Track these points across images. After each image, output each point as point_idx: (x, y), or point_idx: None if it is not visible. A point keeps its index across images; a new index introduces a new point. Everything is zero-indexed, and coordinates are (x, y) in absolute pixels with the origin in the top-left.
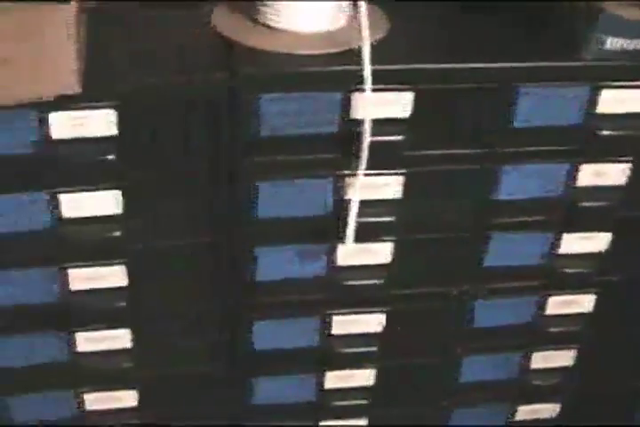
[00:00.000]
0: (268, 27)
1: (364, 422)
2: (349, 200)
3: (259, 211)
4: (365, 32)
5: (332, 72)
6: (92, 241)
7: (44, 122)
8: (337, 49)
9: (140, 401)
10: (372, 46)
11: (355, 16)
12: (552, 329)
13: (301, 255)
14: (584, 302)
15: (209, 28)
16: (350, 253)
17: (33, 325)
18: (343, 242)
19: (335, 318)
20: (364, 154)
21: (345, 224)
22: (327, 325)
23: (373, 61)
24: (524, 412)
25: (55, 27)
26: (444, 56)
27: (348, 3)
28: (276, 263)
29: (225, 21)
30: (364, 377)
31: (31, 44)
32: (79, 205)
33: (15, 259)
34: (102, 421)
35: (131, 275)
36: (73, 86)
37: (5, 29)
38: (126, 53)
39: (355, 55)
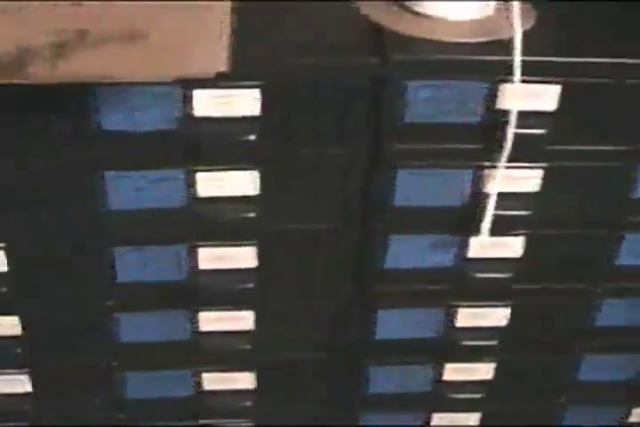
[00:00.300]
0: (417, 13)
1: (476, 416)
2: (487, 192)
3: (395, 198)
4: (517, 22)
5: (482, 61)
6: (225, 221)
7: (187, 99)
8: (487, 38)
9: (257, 384)
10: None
11: (502, 5)
12: None
13: (433, 245)
14: None
15: (356, 13)
16: (482, 245)
17: (160, 302)
18: (478, 234)
19: (460, 311)
20: (507, 146)
21: (481, 217)
22: (451, 316)
23: (522, 52)
24: (638, 414)
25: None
26: (593, 49)
27: None
28: (407, 252)
29: (373, 7)
30: (483, 371)
31: (179, 19)
32: (216, 184)
33: (149, 236)
34: (219, 402)
35: (260, 257)
36: (222, 65)
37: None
38: (274, 36)
39: (504, 45)
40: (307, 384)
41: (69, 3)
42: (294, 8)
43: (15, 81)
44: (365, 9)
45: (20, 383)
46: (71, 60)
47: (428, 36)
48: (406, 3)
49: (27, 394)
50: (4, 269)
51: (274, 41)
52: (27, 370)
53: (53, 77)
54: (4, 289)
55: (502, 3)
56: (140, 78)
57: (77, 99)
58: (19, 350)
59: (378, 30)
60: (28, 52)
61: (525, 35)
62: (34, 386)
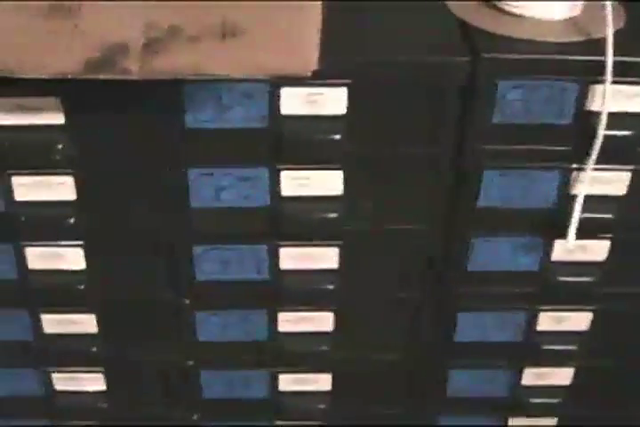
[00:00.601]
0: (507, 12)
1: (553, 421)
2: (574, 195)
3: (481, 200)
4: (609, 21)
5: (573, 61)
6: (308, 221)
7: (274, 97)
8: (577, 38)
9: (334, 386)
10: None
11: (591, 5)
12: None
13: (518, 248)
14: None
15: (445, 12)
16: (567, 248)
17: (239, 302)
18: (564, 238)
19: (542, 314)
20: (596, 148)
21: (568, 219)
22: (533, 320)
23: (614, 52)
24: None
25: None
26: None
27: None
28: (491, 254)
29: (462, 6)
30: (563, 376)
31: (276, 16)
32: (300, 183)
33: (230, 234)
34: (295, 403)
35: (342, 257)
36: (313, 64)
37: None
38: (362, 34)
39: (595, 45)
40: (383, 386)
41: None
42: (382, 7)
43: (108, 77)
44: (454, 8)
45: (95, 382)
46: (164, 55)
47: (518, 36)
48: (496, 2)
49: (101, 393)
50: (82, 266)
51: (362, 40)
52: (102, 368)
53: (146, 73)
54: (82, 286)
55: (592, 2)
56: (234, 75)
57: (164, 96)
58: (94, 349)
59: (467, 29)
60: (120, 49)
61: (616, 34)
62: (108, 385)
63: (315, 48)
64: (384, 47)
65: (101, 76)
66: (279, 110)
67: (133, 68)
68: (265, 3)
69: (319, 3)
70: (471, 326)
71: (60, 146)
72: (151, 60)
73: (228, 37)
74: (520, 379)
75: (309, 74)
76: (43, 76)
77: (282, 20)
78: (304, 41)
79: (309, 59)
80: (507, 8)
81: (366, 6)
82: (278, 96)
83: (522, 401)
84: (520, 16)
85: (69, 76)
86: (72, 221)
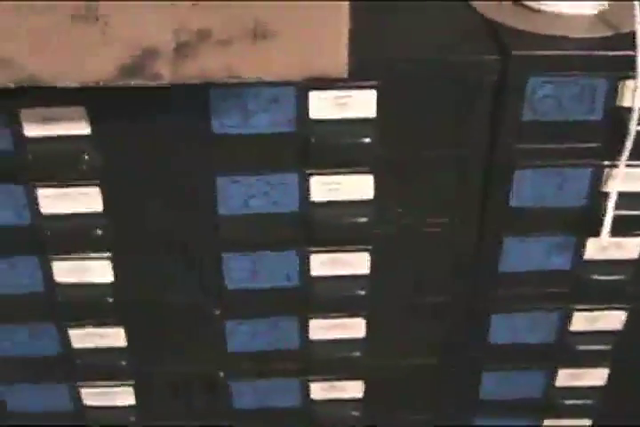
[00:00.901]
0: (532, 9)
1: (587, 422)
2: (607, 192)
3: (512, 199)
4: (638, 15)
5: (603, 57)
6: (338, 226)
7: (302, 100)
8: (606, 33)
9: (366, 392)
10: None
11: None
12: None
13: (550, 247)
14: None
15: (469, 10)
16: (600, 246)
17: (270, 309)
18: (597, 236)
19: (576, 314)
20: (629, 144)
21: (601, 217)
22: (566, 320)
23: None
24: None
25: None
26: None
27: None
28: (523, 255)
29: (487, 4)
30: (597, 376)
31: (303, 17)
32: (330, 188)
33: (260, 241)
34: (326, 411)
35: (373, 262)
36: (343, 68)
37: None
38: (388, 35)
39: (624, 40)
40: (416, 391)
41: (189, 3)
42: (406, 7)
43: (140, 83)
44: (479, 6)
45: (124, 395)
46: (195, 59)
47: (546, 32)
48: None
49: (131, 406)
50: (110, 278)
51: (389, 40)
52: (131, 382)
53: (178, 78)
54: (110, 299)
55: None
56: (267, 78)
57: (190, 102)
58: (123, 363)
59: (494, 27)
60: (151, 53)
61: None
62: (138, 398)
63: (346, 49)
64: (411, 47)
65: (133, 83)
66: (307, 114)
67: (165, 73)
68: (295, 3)
69: (347, 2)
70: (504, 328)
71: (86, 156)
72: (182, 64)
73: (258, 40)
74: (554, 380)
75: (345, 75)
76: (74, 85)
77: (313, 21)
78: (337, 41)
79: (343, 60)
80: (532, 4)
81: (386, 6)
82: (306, 100)
83: (556, 402)
84: (545, 12)
85: (101, 84)
86: (99, 232)
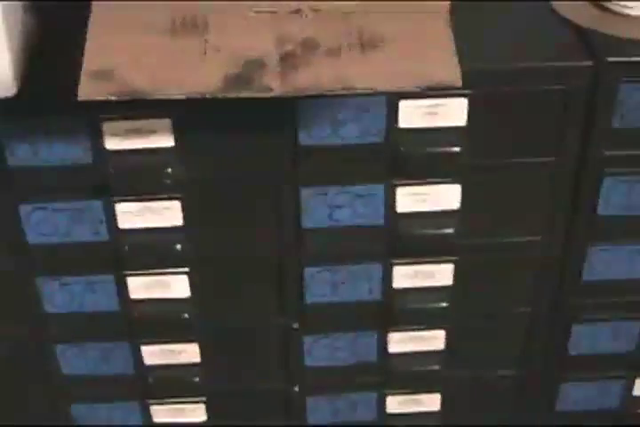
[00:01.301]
0: (619, 14)
1: None
2: None
3: (601, 207)
4: None
5: None
6: (423, 237)
7: (392, 110)
8: None
9: (443, 404)
10: None
11: None
12: None
13: (636, 255)
14: None
15: (554, 15)
16: None
17: (350, 323)
18: None
19: None
20: None
21: None
22: None
23: None
24: None
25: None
26: None
27: None
28: (608, 263)
29: (572, 9)
30: None
31: (413, 25)
32: (417, 198)
33: (343, 254)
34: (403, 425)
35: (457, 273)
36: (457, 76)
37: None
38: (475, 42)
39: None
40: (492, 403)
41: (290, 13)
42: (487, 11)
43: (249, 95)
44: (561, 9)
45: (196, 412)
46: (304, 71)
47: (636, 37)
48: (605, 3)
49: (202, 424)
50: (187, 294)
51: (476, 47)
52: (203, 398)
53: (287, 90)
54: (186, 315)
55: None
56: (381, 88)
57: (276, 114)
58: (197, 379)
59: (580, 32)
60: (257, 65)
61: None
62: (209, 415)
63: (453, 62)
64: (500, 54)
65: (242, 95)
66: (397, 124)
67: (274, 85)
68: (402, 11)
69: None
70: (585, 338)
71: (169, 169)
72: (291, 75)
73: (367, 50)
74: (632, 389)
75: (460, 83)
76: (180, 97)
77: (423, 30)
78: (449, 50)
79: (457, 68)
80: (617, 9)
81: (469, 13)
82: (396, 109)
83: (633, 412)
84: (633, 17)
85: (207, 96)
86: (178, 247)
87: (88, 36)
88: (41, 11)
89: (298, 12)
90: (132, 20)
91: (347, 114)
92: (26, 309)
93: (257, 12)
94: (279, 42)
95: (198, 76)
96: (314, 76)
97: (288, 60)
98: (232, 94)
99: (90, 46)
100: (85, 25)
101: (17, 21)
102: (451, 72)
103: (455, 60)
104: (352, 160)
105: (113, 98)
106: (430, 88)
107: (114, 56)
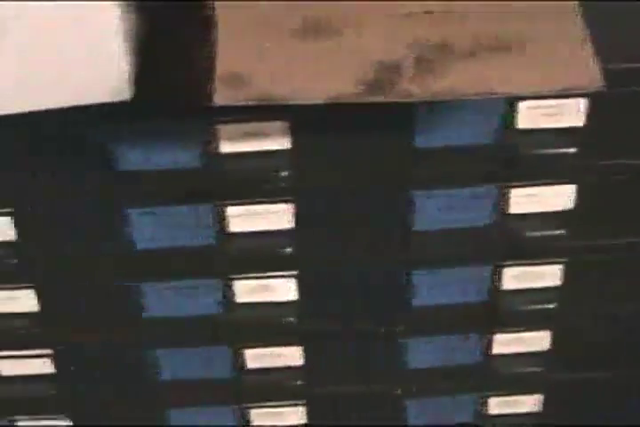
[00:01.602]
0: None
1: None
2: None
3: None
4: None
5: None
6: (534, 239)
7: (509, 110)
8: None
9: (544, 405)
10: None
11: None
12: None
13: None
14: None
15: None
16: None
17: (454, 325)
18: None
19: None
20: None
21: None
22: None
23: None
24: None
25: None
26: None
27: None
28: None
29: None
30: None
31: (545, 30)
32: (529, 200)
33: (451, 256)
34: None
35: (566, 275)
36: (598, 78)
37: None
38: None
39: None
40: (593, 404)
41: (421, 16)
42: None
43: (388, 100)
44: None
45: (295, 416)
46: (442, 75)
47: None
48: None
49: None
50: (293, 297)
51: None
52: (303, 401)
53: (427, 95)
54: (291, 319)
55: None
56: (521, 92)
57: (393, 116)
58: (298, 382)
59: None
60: (393, 68)
61: None
62: (309, 418)
63: (593, 62)
64: (619, 53)
65: (379, 100)
66: (514, 125)
67: (413, 90)
68: (530, 12)
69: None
70: None
71: (284, 172)
72: (427, 80)
73: (502, 52)
74: None
75: (602, 87)
76: (317, 102)
77: (556, 29)
78: (587, 51)
79: (597, 70)
80: None
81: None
82: (515, 110)
83: None
84: None
85: (343, 101)
86: (288, 250)
87: (217, 38)
88: (145, 10)
89: (429, 14)
90: (260, 22)
91: (462, 115)
92: (127, 313)
93: (387, 14)
94: (412, 45)
95: (334, 80)
96: (451, 81)
97: (423, 64)
98: (369, 99)
99: (220, 49)
100: (191, 25)
101: (130, 22)
102: (592, 74)
103: (595, 61)
104: (465, 162)
105: (250, 103)
106: (571, 90)
107: (246, 60)
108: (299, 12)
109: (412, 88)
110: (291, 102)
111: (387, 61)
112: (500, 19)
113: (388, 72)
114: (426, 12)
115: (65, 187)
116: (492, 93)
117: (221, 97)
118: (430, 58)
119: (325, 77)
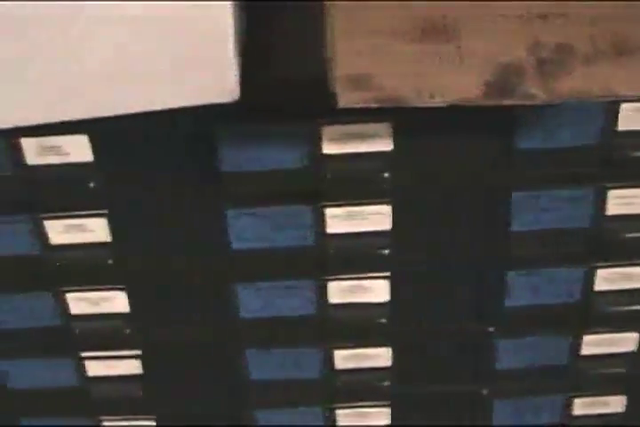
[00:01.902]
0: None
1: None
2: None
3: None
4: None
5: None
6: (631, 240)
7: (611, 113)
8: None
9: (628, 407)
10: None
11: None
12: None
13: None
14: None
15: None
16: None
17: (546, 327)
18: None
19: None
20: None
21: None
22: None
23: None
24: None
25: None
26: None
27: None
28: None
29: None
30: None
31: None
32: (627, 201)
33: (546, 257)
34: None
35: None
36: None
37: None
38: None
39: None
40: None
41: (538, 17)
42: None
43: (512, 103)
44: None
45: (380, 416)
46: (565, 77)
47: None
48: None
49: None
50: (386, 298)
51: None
52: (387, 402)
53: (551, 98)
54: (383, 320)
55: None
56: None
57: (493, 118)
58: (386, 383)
59: None
60: (515, 71)
61: None
62: (393, 419)
63: None
64: None
65: (504, 103)
66: (615, 127)
67: (537, 92)
68: None
69: None
70: None
71: (386, 174)
72: (551, 82)
73: (623, 54)
74: None
75: None
76: (442, 105)
77: None
78: None
79: None
80: None
81: None
82: (616, 112)
83: None
84: None
85: (467, 103)
86: (385, 252)
87: (334, 40)
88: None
89: (545, 15)
90: (375, 24)
91: (563, 116)
92: (222, 314)
93: (503, 15)
94: (532, 47)
95: (458, 83)
96: (575, 83)
97: (545, 67)
98: (494, 102)
99: (339, 51)
100: (291, 24)
101: (238, 22)
102: None
103: None
104: (565, 163)
105: (375, 105)
106: None
107: (366, 61)
108: (412, 13)
109: (536, 91)
110: (416, 105)
111: (509, 64)
112: (617, 21)
113: (511, 75)
114: (542, 15)
115: (164, 187)
116: (615, 96)
117: (345, 99)
118: (552, 61)
119: (450, 81)
